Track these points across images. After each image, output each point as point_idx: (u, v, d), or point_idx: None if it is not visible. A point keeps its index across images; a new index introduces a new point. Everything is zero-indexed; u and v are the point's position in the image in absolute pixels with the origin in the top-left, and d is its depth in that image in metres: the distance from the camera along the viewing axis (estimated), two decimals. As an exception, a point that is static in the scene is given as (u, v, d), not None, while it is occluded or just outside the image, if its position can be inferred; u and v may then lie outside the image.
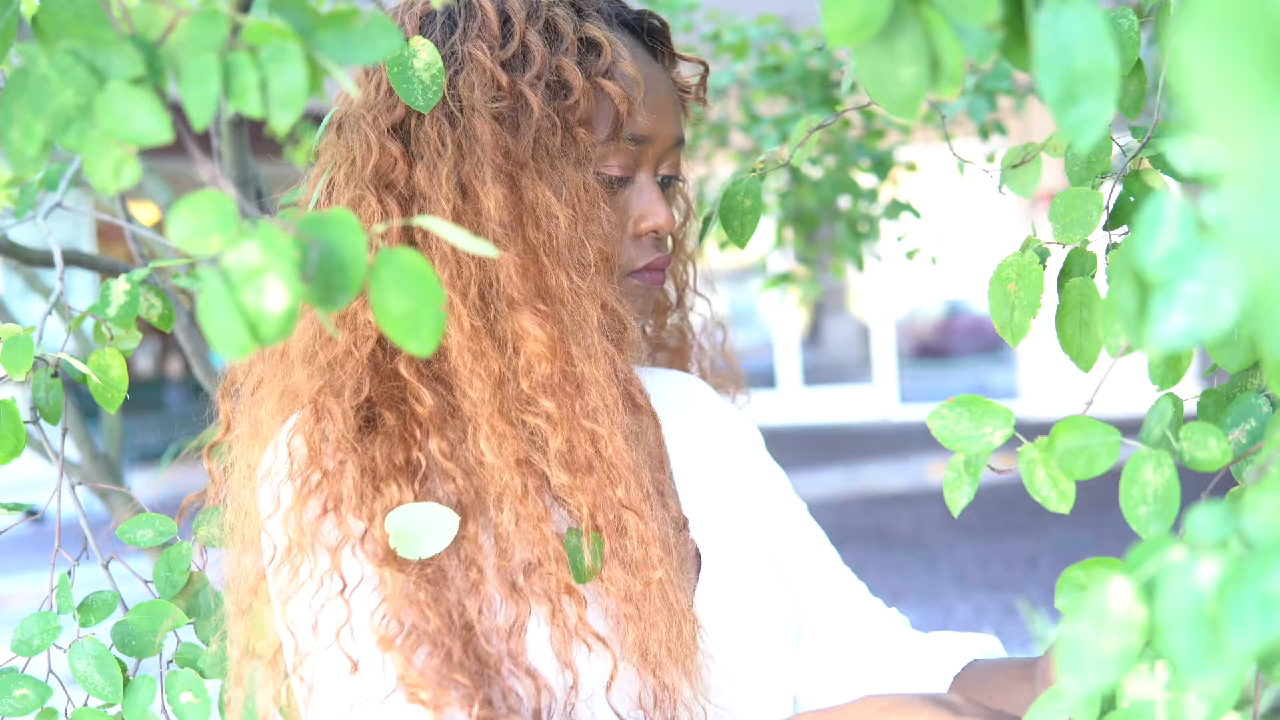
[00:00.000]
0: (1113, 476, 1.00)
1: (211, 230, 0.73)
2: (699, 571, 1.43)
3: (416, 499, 1.27)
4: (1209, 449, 0.97)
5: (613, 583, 1.30)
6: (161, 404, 15.83)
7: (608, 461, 1.30)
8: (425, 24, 1.36)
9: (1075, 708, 0.95)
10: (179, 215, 0.73)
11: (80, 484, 1.60)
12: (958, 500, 1.06)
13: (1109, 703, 0.91)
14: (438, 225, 0.82)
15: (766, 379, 17.52)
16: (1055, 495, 0.99)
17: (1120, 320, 0.64)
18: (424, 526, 1.24)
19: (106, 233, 13.21)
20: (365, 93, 1.35)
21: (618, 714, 1.30)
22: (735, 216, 1.46)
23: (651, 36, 1.46)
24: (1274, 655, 0.85)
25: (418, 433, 1.30)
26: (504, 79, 1.30)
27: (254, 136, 2.28)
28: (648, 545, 1.31)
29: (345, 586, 1.25)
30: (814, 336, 19.62)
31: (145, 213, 9.23)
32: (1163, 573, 0.62)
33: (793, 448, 14.22)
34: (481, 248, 0.81)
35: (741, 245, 1.48)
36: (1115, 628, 0.66)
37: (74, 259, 1.78)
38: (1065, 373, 14.06)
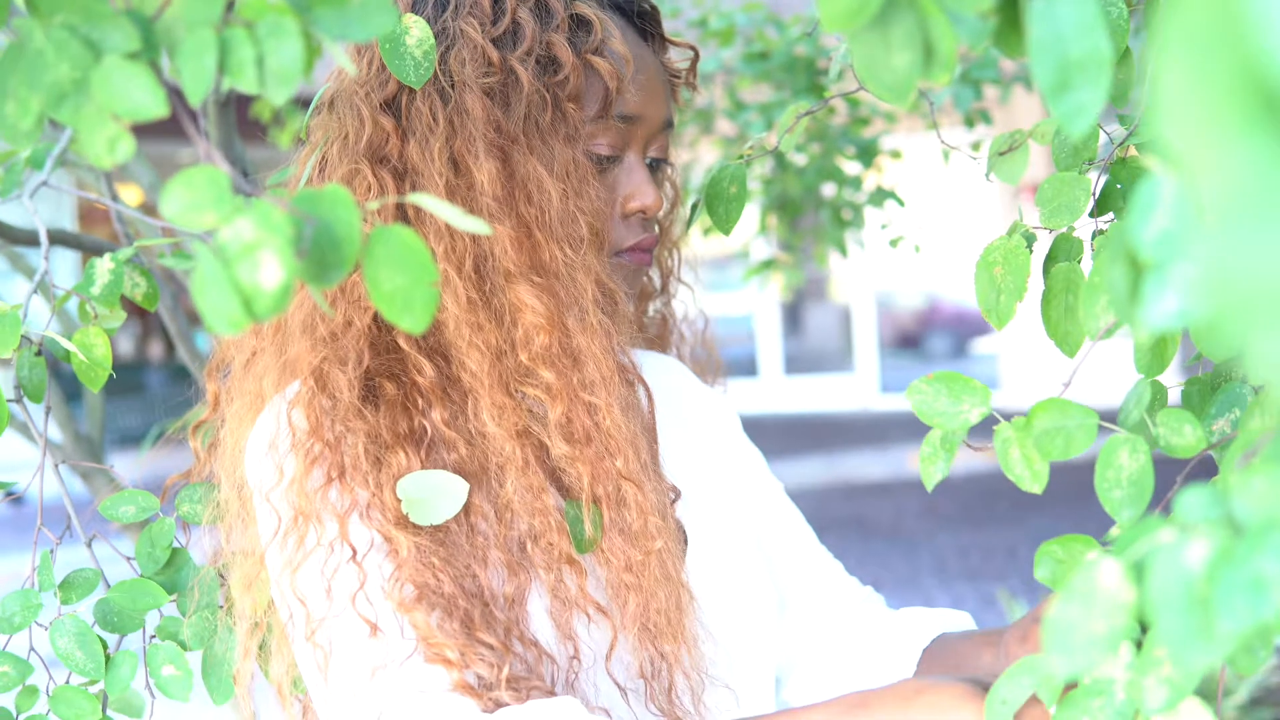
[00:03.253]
0: (1093, 466, 1.02)
1: (206, 206, 0.73)
2: (685, 546, 1.45)
3: (424, 466, 1.28)
4: (1184, 435, 0.99)
5: (613, 553, 1.32)
6: (142, 387, 15.81)
7: (605, 433, 1.32)
8: (417, 1, 1.37)
9: (1039, 683, 0.96)
10: (173, 191, 0.73)
11: (63, 463, 1.60)
12: (933, 475, 1.08)
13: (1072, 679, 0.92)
14: (431, 202, 0.82)
15: (748, 368, 17.54)
16: (1029, 475, 1.01)
17: (1112, 301, 0.64)
18: (435, 492, 1.26)
19: (88, 213, 13.18)
20: (358, 69, 1.36)
21: (617, 683, 1.31)
22: (721, 203, 1.46)
23: (641, 19, 1.46)
24: (1248, 643, 0.86)
25: (420, 402, 1.31)
26: (495, 55, 1.31)
27: (240, 118, 2.28)
28: (646, 515, 1.32)
29: (355, 553, 1.26)
30: (795, 325, 19.64)
31: (129, 194, 9.21)
32: (1152, 554, 0.62)
33: (774, 436, 14.25)
34: (474, 225, 0.81)
35: (726, 232, 1.48)
36: (1105, 609, 0.66)
37: (59, 238, 1.78)
38: (1046, 363, 14.10)
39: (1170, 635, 0.61)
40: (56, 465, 1.52)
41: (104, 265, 1.44)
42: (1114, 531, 1.03)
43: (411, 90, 1.33)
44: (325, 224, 0.74)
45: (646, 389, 1.45)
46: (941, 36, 0.74)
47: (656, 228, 1.52)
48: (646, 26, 1.47)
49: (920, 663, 1.50)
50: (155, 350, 17.00)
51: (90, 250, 1.88)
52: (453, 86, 1.31)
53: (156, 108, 0.76)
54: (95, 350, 1.42)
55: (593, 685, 1.31)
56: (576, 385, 1.31)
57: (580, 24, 1.36)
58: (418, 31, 1.20)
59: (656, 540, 1.33)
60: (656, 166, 1.46)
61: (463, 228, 0.83)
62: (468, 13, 1.34)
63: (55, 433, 2.33)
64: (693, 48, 1.55)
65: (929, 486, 1.08)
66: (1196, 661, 0.60)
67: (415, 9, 1.36)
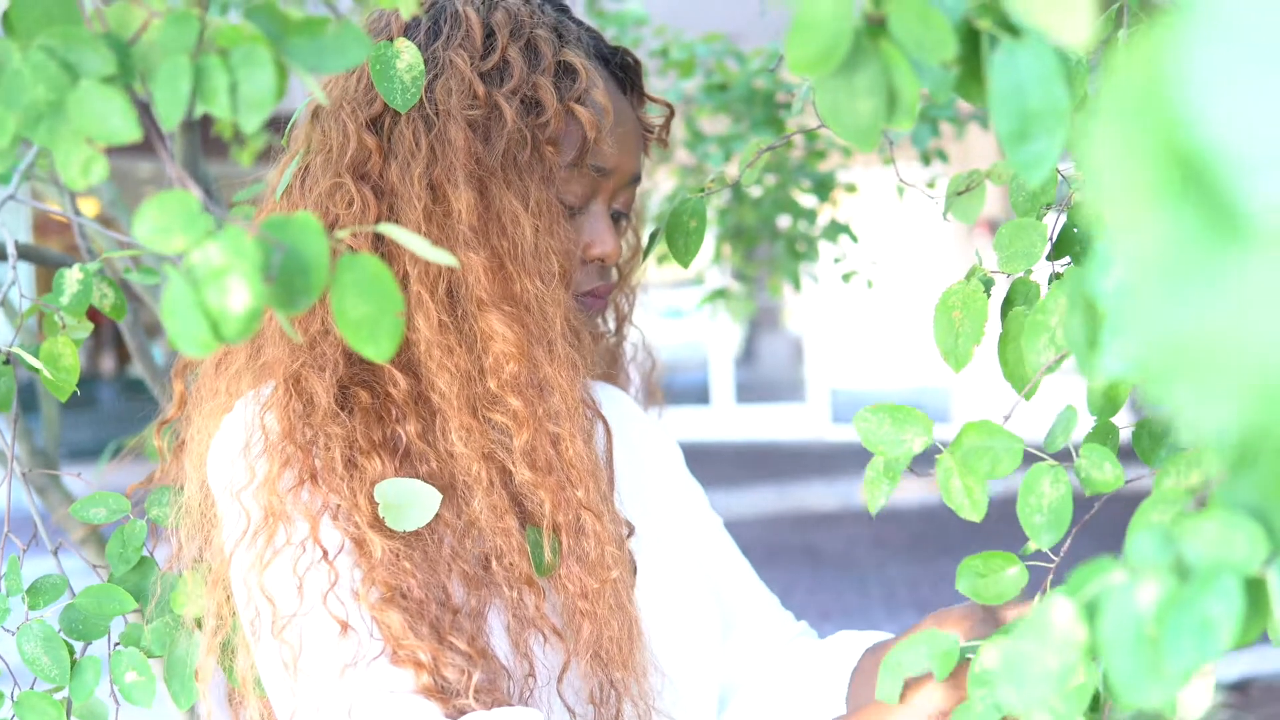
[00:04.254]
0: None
1: (176, 229, 0.74)
2: (635, 577, 1.46)
3: (398, 474, 1.30)
4: (1104, 471, 1.04)
5: (570, 579, 1.34)
6: (94, 401, 15.71)
7: (568, 462, 1.34)
8: (410, 28, 1.39)
9: (934, 654, 1.02)
10: (145, 213, 0.74)
11: (31, 471, 1.60)
12: (876, 499, 1.11)
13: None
14: (399, 233, 0.83)
15: (700, 395, 17.56)
16: (968, 503, 1.05)
17: (1071, 346, 0.66)
18: (411, 499, 1.28)
19: (43, 226, 13.11)
20: (345, 85, 1.37)
21: (567, 706, 1.33)
22: (680, 236, 1.49)
23: (624, 71, 1.49)
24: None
25: (394, 412, 1.33)
26: (481, 89, 1.33)
27: (202, 136, 2.29)
28: (604, 545, 1.34)
29: (326, 553, 1.27)
30: (748, 354, 19.69)
31: (85, 207, 9.17)
32: (1104, 594, 0.64)
33: (725, 464, 14.26)
34: (442, 256, 0.82)
35: (685, 264, 1.50)
36: (1057, 645, 0.68)
37: (24, 252, 1.78)
38: (998, 398, 14.18)
39: (1120, 674, 0.62)
40: (25, 474, 1.52)
41: (73, 276, 1.46)
42: (1030, 547, 1.07)
43: (396, 113, 1.35)
44: (294, 250, 0.75)
45: (606, 425, 1.47)
46: (905, 84, 0.75)
47: (615, 274, 1.55)
48: (628, 79, 1.49)
49: (852, 679, 1.52)
50: (106, 365, 16.90)
51: (55, 264, 1.88)
52: (437, 114, 1.33)
53: (130, 132, 0.76)
54: (63, 360, 1.43)
55: (545, 705, 1.33)
56: (542, 415, 1.33)
57: (566, 71, 1.39)
58: (408, 57, 1.22)
59: (612, 570, 1.35)
60: (618, 219, 1.49)
61: (430, 259, 0.84)
62: (458, 45, 1.36)
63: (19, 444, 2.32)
64: (669, 106, 1.57)
65: (873, 510, 1.11)
66: (1146, 700, 0.62)
67: (408, 35, 1.38)
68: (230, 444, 1.33)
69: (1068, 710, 0.86)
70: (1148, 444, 1.15)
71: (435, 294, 1.32)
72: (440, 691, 1.23)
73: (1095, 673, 0.89)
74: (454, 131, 1.32)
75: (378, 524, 1.28)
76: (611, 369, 1.70)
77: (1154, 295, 0.41)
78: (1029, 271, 1.19)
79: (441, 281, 1.32)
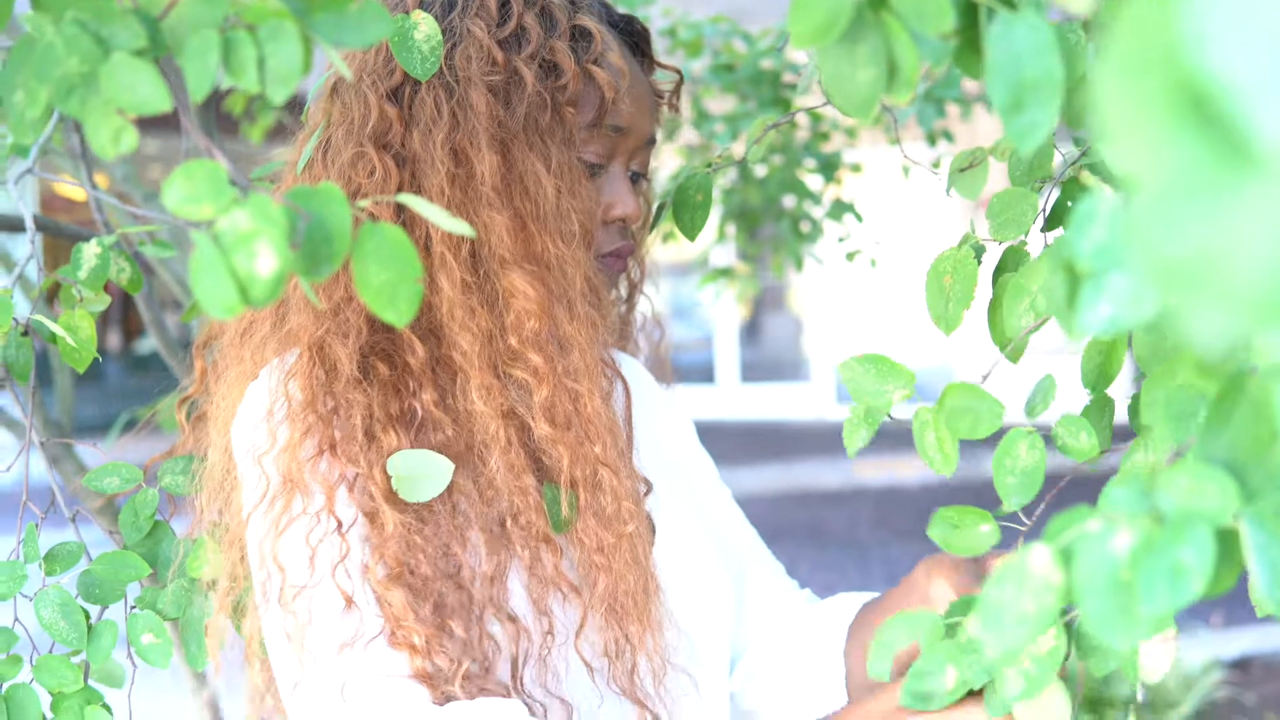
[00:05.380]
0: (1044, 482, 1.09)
1: (205, 197, 0.77)
2: (654, 536, 1.49)
3: (412, 447, 1.33)
4: (1080, 441, 1.08)
5: (586, 534, 1.37)
6: (100, 377, 15.72)
7: (586, 418, 1.36)
8: (425, 2, 1.41)
9: (922, 630, 1.05)
10: (174, 182, 0.77)
11: (49, 440, 1.63)
12: (855, 443, 1.14)
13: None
14: (418, 203, 0.86)
15: (705, 374, 17.56)
16: (940, 457, 1.07)
17: (1051, 308, 0.69)
18: (423, 471, 1.31)
19: (49, 202, 13.10)
20: (364, 59, 1.40)
21: (585, 661, 1.36)
22: (686, 210, 1.51)
23: (634, 38, 1.52)
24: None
25: (411, 384, 1.35)
26: (500, 55, 1.36)
27: (214, 113, 2.31)
28: (620, 500, 1.37)
29: (340, 525, 1.30)
30: (752, 333, 19.66)
31: (97, 183, 9.15)
32: (1080, 541, 0.67)
33: (730, 443, 14.26)
34: (458, 226, 0.85)
35: (691, 238, 1.53)
36: (1034, 590, 0.71)
37: (42, 225, 1.81)
38: (996, 375, 14.15)
39: (1095, 617, 0.66)
40: (43, 443, 1.55)
41: (91, 250, 1.48)
42: (1005, 508, 1.12)
43: (416, 82, 1.38)
44: (318, 218, 0.79)
45: (625, 385, 1.50)
46: (905, 55, 0.79)
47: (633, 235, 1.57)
48: (639, 45, 1.52)
49: (849, 634, 1.57)
50: (113, 341, 16.91)
51: (66, 237, 1.91)
52: (457, 81, 1.36)
53: (161, 102, 0.80)
54: (81, 332, 1.46)
55: (564, 661, 1.36)
56: (562, 371, 1.35)
57: (582, 35, 1.42)
58: (426, 28, 1.25)
59: (629, 524, 1.38)
60: (635, 180, 1.51)
61: (446, 228, 0.87)
62: (475, 14, 1.39)
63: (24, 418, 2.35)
64: (678, 71, 1.61)
65: (850, 453, 1.14)
66: (1120, 642, 0.65)
67: (423, 8, 1.40)
68: (255, 409, 1.36)
69: (1040, 673, 0.90)
70: (1138, 413, 1.17)
71: (459, 255, 1.35)
72: (430, 677, 1.27)
73: (1064, 637, 0.94)
74: (475, 97, 1.35)
75: (392, 497, 1.31)
76: (623, 338, 1.72)
77: (1163, 218, 0.44)
78: (1024, 242, 1.22)
79: (465, 243, 1.35)
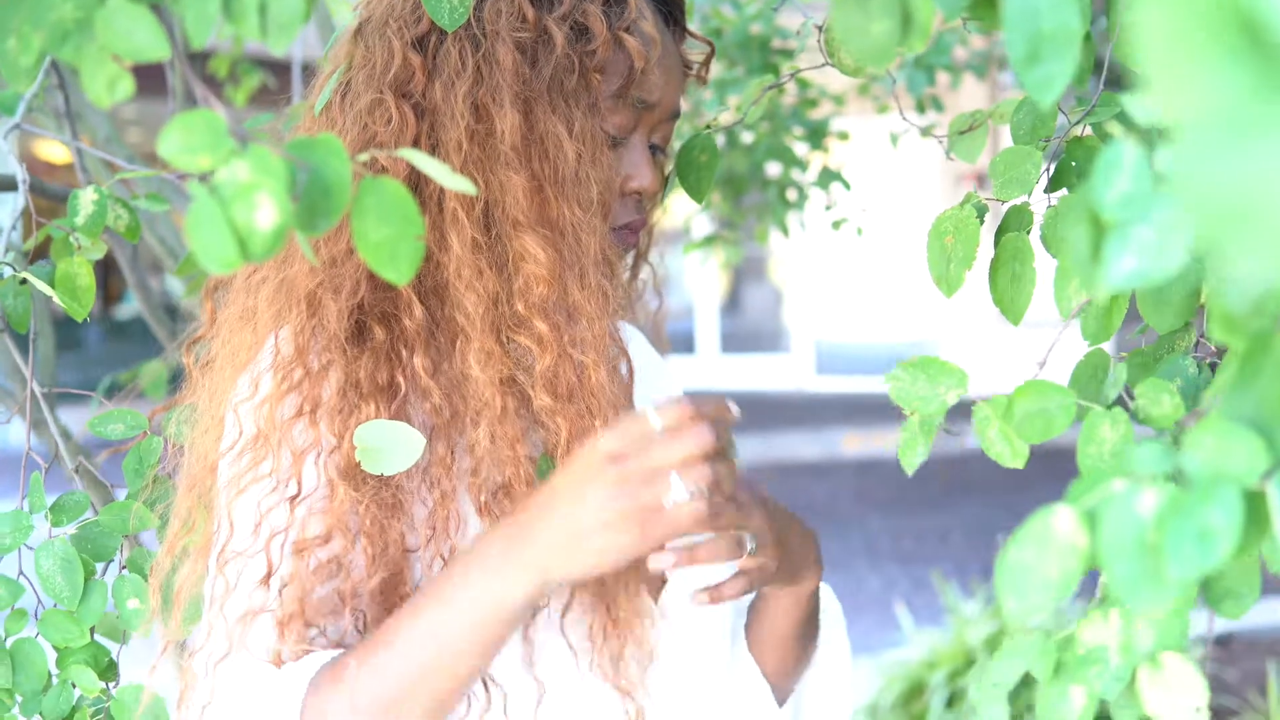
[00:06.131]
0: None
1: (202, 148, 0.75)
2: None
3: (392, 418, 1.29)
4: (1162, 405, 1.00)
5: None
6: (80, 343, 15.65)
7: (590, 391, 1.33)
8: None
9: (1031, 658, 1.00)
10: (170, 132, 0.75)
11: (49, 390, 1.61)
12: (913, 460, 1.09)
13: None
14: (420, 158, 0.84)
15: (685, 344, 17.55)
16: (1009, 451, 1.03)
17: (1073, 262, 0.67)
18: (392, 443, 1.25)
19: (31, 166, 12.99)
20: (392, 2, 1.37)
21: (569, 642, 1.33)
22: (692, 171, 1.49)
23: (668, 5, 1.48)
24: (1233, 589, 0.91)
25: (404, 352, 1.32)
26: (531, 12, 1.32)
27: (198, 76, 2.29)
28: None
29: (299, 494, 1.28)
30: (732, 304, 19.64)
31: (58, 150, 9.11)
32: (1105, 502, 0.66)
33: (709, 414, 14.23)
34: (461, 183, 0.83)
35: (698, 200, 1.50)
36: (1058, 554, 0.69)
37: (37, 187, 1.78)
38: (983, 347, 14.19)
39: (1121, 581, 0.64)
40: (44, 393, 1.53)
41: (87, 197, 1.46)
42: None
43: (442, 31, 1.34)
44: (317, 171, 0.77)
45: (629, 361, 1.46)
46: (919, 6, 0.77)
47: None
48: (672, 13, 1.49)
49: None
50: (93, 306, 16.83)
51: (52, 198, 1.88)
52: (485, 35, 1.33)
53: (159, 49, 0.78)
54: (80, 280, 1.44)
55: (547, 644, 1.33)
56: (568, 341, 1.32)
57: (615, 0, 1.39)
58: None
59: None
60: (654, 152, 1.48)
61: (448, 185, 0.85)
62: None
63: (9, 380, 2.33)
64: (710, 42, 1.57)
65: (909, 471, 1.10)
66: (1146, 606, 0.64)
67: None
68: (251, 360, 1.34)
69: (1171, 624, 0.85)
70: (1138, 373, 1.16)
71: (472, 214, 1.31)
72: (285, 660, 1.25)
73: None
74: (502, 52, 1.32)
75: (352, 470, 1.27)
76: (626, 306, 1.70)
77: (1207, 152, 0.42)
78: (1027, 204, 1.20)
79: (479, 202, 1.32)
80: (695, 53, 1.55)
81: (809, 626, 1.55)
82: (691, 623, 1.46)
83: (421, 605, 1.21)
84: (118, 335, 16.31)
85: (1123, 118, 1.21)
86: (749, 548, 1.29)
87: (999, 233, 1.20)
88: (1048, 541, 0.70)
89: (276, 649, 1.24)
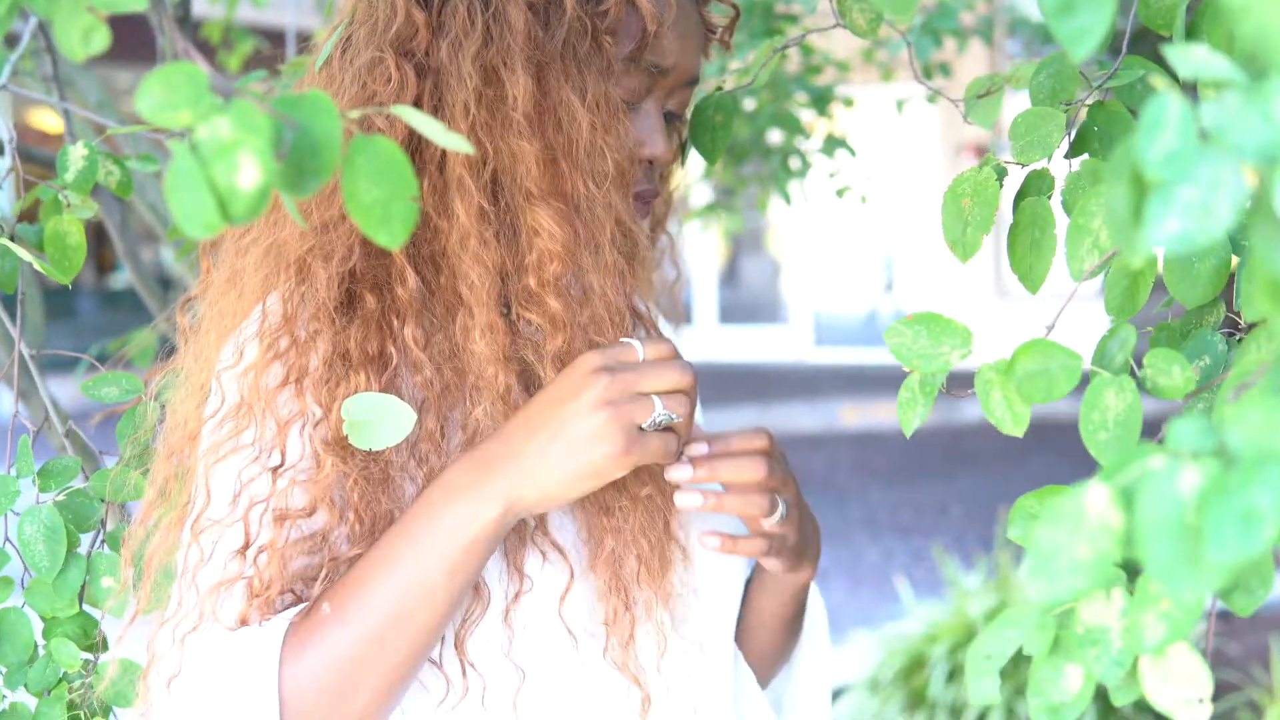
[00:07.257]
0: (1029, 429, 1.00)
1: (182, 104, 0.71)
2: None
3: (382, 390, 1.24)
4: (1172, 376, 0.96)
5: (592, 495, 1.28)
6: (73, 312, 15.65)
7: None
8: None
9: (1027, 635, 0.96)
10: (149, 87, 0.71)
11: (36, 354, 1.58)
12: (911, 421, 1.05)
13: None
14: (413, 115, 0.80)
15: (683, 314, 17.57)
16: (1010, 417, 0.98)
17: (1109, 223, 0.63)
18: (381, 416, 1.20)
19: (23, 135, 12.99)
20: None
21: (568, 628, 1.28)
22: (706, 132, 1.46)
23: None
24: (1245, 581, 0.86)
25: (395, 323, 1.27)
26: None
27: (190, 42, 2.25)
28: None
29: (283, 463, 1.24)
30: (731, 275, 19.63)
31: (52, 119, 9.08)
32: (1143, 480, 0.61)
33: (707, 384, 14.19)
34: (456, 142, 0.80)
35: (712, 161, 1.47)
36: (1091, 534, 0.65)
37: (20, 154, 1.75)
38: (983, 322, 14.18)
39: (1158, 564, 0.60)
40: (31, 356, 1.50)
41: (77, 152, 1.42)
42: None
43: None
44: (305, 129, 0.73)
45: (658, 335, 1.40)
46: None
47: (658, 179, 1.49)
48: None
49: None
50: (85, 275, 16.82)
51: (39, 164, 1.85)
52: None
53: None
54: (70, 239, 1.41)
55: (540, 627, 1.28)
56: (582, 320, 1.27)
57: None
58: None
59: (645, 487, 1.30)
60: (670, 120, 1.42)
61: (442, 143, 0.81)
62: None
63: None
64: (735, 6, 1.50)
65: (908, 433, 1.06)
66: (1184, 591, 0.60)
67: None
68: (237, 326, 1.30)
69: (1183, 614, 0.82)
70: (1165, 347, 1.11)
71: (478, 180, 1.26)
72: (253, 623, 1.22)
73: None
74: (513, 13, 1.26)
75: (339, 442, 1.23)
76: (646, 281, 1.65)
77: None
78: (1047, 169, 1.16)
79: (486, 168, 1.27)
80: (719, 17, 1.49)
81: (794, 621, 1.55)
82: (716, 599, 1.43)
83: (392, 541, 1.21)
84: (112, 305, 16.31)
85: (1123, 90, 1.16)
86: (780, 512, 1.32)
87: (1018, 197, 1.16)
88: (1080, 521, 0.65)
89: (244, 614, 1.21)
